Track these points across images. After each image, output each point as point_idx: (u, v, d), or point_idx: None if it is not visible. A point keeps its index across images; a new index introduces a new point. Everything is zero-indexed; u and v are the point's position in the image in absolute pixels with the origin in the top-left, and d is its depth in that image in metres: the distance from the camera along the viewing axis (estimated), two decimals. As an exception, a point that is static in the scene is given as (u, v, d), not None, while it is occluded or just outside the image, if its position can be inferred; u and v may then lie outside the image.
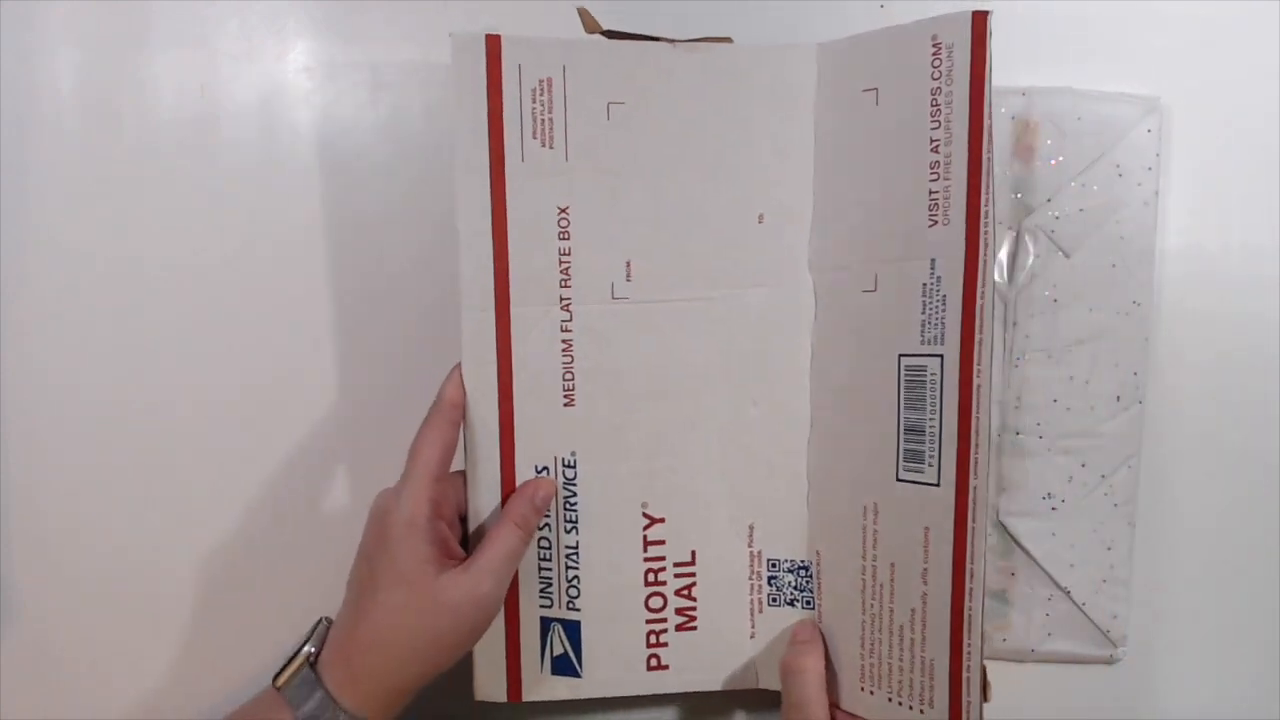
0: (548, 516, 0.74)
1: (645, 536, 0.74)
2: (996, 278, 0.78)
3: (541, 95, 0.70)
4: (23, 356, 0.80)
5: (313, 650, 0.69)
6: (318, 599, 0.78)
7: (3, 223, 0.79)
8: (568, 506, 0.74)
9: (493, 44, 0.69)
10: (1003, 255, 0.78)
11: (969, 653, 0.68)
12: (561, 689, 0.76)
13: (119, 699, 0.81)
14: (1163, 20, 0.79)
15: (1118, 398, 0.79)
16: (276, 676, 0.68)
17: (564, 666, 0.75)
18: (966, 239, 0.66)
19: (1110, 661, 0.80)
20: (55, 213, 0.79)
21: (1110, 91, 0.78)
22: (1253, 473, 0.81)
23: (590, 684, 0.76)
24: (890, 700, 0.71)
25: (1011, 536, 0.79)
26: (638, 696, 0.77)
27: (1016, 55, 0.78)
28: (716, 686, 0.76)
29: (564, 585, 0.75)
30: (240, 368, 0.80)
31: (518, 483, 0.73)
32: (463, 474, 0.73)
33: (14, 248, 0.79)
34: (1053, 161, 0.77)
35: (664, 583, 0.75)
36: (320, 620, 0.71)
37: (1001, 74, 0.77)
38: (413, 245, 0.80)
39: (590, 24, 0.71)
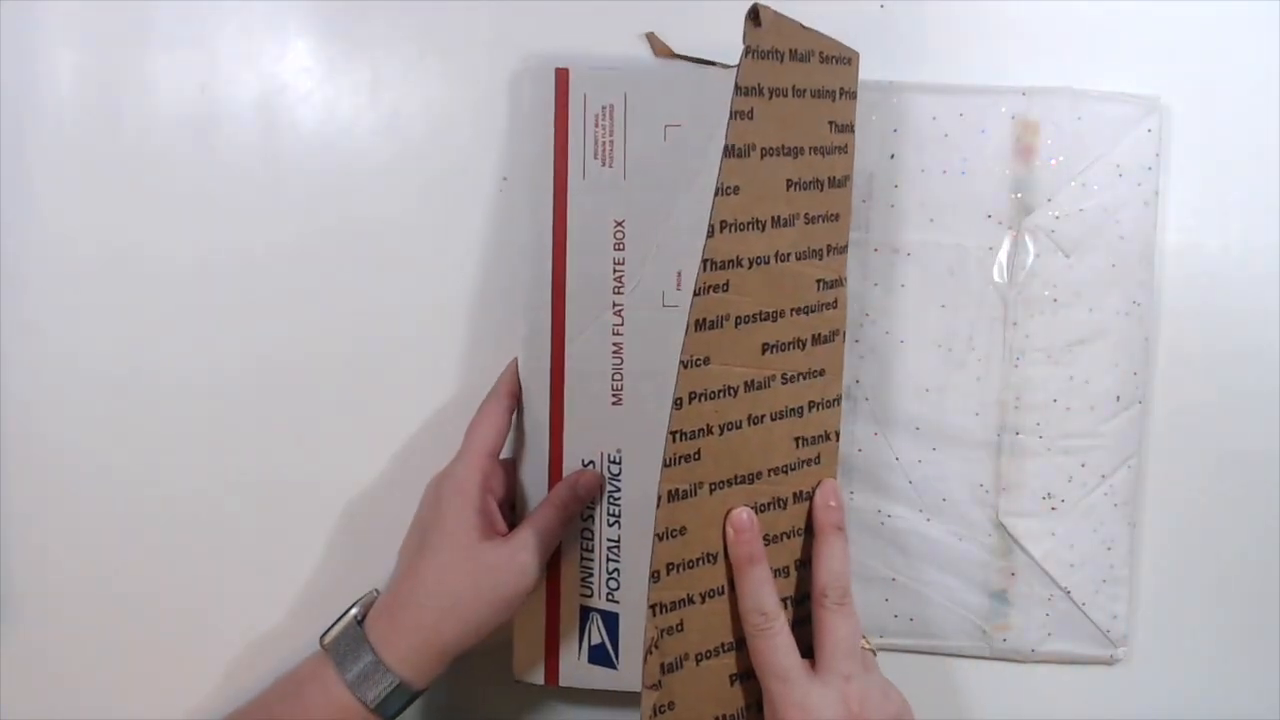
0: (591, 508, 0.76)
1: None
2: (996, 278, 0.78)
3: (604, 120, 0.75)
4: (22, 356, 0.80)
5: (359, 611, 0.72)
6: (318, 597, 0.79)
7: (3, 221, 0.79)
8: (611, 501, 0.76)
9: (562, 76, 0.75)
10: (1003, 255, 0.78)
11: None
12: (597, 679, 0.78)
13: (119, 699, 0.81)
14: (1163, 20, 0.79)
15: (1118, 398, 0.79)
16: (323, 635, 0.72)
17: (601, 657, 0.78)
18: None
19: (1110, 662, 0.80)
20: (55, 212, 0.80)
21: (1110, 91, 0.78)
22: (1254, 472, 0.81)
23: (626, 677, 0.77)
24: None
25: (1011, 536, 0.79)
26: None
27: (1016, 54, 0.79)
28: None
29: (604, 577, 0.77)
30: (240, 367, 0.80)
31: (564, 475, 0.76)
32: (513, 462, 0.78)
33: (14, 246, 0.80)
34: (1053, 161, 0.77)
35: None
36: (371, 591, 0.74)
37: (1001, 73, 0.78)
38: (412, 245, 0.80)
39: (660, 48, 0.77)
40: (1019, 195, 0.78)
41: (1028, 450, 0.79)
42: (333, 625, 0.72)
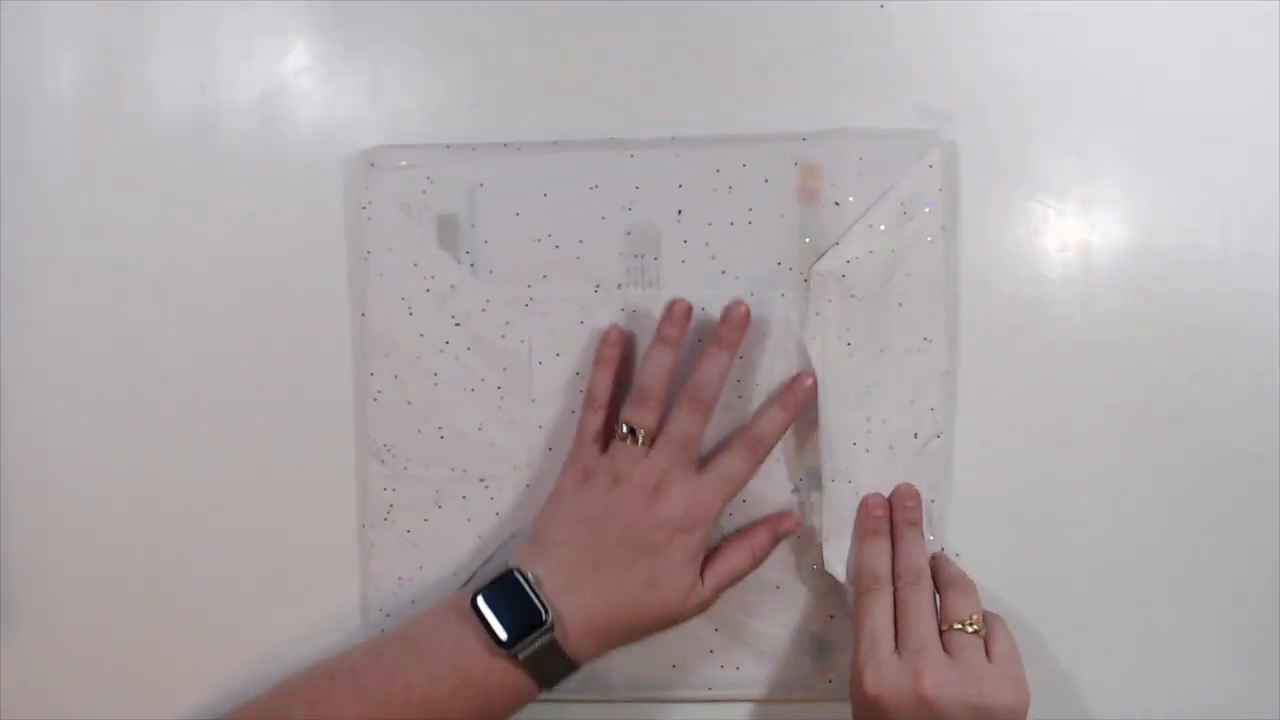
0: None
1: None
2: (792, 326, 0.76)
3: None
4: (24, 355, 0.82)
5: (550, 621, 0.71)
6: (319, 599, 0.82)
7: (4, 221, 0.81)
8: None
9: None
10: (796, 303, 0.76)
11: None
12: None
13: (119, 699, 0.82)
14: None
15: (915, 435, 0.76)
16: (514, 647, 0.71)
17: None
18: None
19: None
20: (56, 211, 0.82)
21: (890, 129, 0.75)
22: (1252, 475, 0.78)
23: None
24: None
25: (832, 581, 0.77)
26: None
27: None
28: None
29: None
30: (239, 366, 0.81)
31: None
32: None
33: (15, 246, 0.81)
34: (837, 204, 0.75)
35: None
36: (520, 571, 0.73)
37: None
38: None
39: None
40: (808, 240, 0.76)
41: (839, 496, 0.76)
42: (528, 640, 0.71)
